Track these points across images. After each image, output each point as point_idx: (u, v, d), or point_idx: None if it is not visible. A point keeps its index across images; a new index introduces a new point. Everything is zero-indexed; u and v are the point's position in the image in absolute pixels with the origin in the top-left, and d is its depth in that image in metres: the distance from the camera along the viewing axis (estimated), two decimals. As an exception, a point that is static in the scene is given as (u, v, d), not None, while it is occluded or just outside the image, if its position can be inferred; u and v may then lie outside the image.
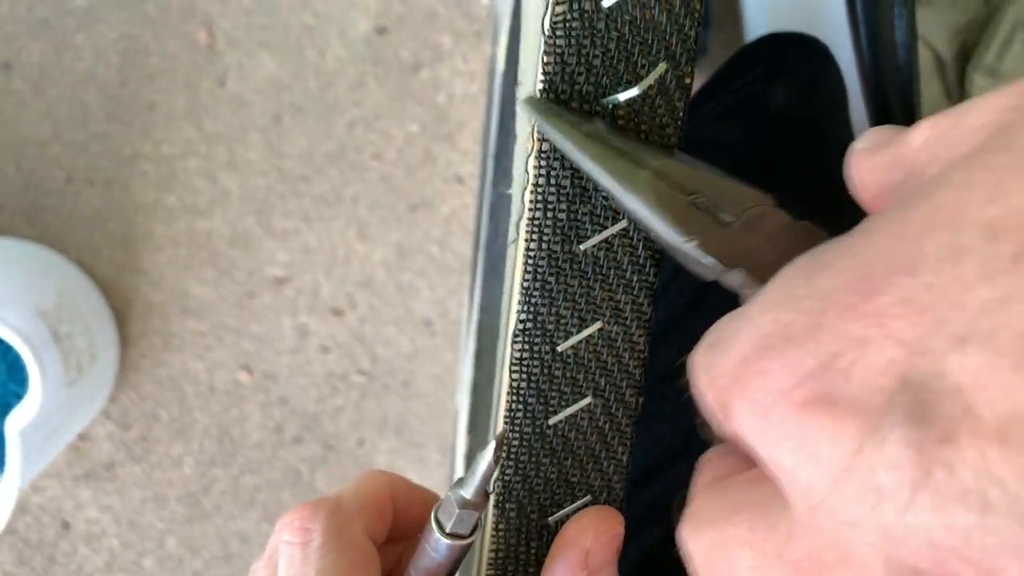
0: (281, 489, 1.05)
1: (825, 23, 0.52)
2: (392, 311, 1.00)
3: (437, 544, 0.22)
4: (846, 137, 0.44)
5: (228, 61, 0.93)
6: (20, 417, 0.79)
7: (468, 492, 0.21)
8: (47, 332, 0.85)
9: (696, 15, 0.21)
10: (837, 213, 0.41)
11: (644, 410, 0.37)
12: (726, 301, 0.36)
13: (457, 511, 0.21)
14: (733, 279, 0.21)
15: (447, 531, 0.22)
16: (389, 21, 0.93)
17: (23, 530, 1.04)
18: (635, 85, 0.21)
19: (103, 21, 0.93)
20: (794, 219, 0.22)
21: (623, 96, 0.21)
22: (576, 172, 0.22)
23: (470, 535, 0.22)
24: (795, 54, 0.44)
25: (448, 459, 1.05)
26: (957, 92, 0.55)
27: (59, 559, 1.04)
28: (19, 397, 0.87)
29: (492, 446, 0.21)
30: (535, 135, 0.22)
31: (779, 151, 0.41)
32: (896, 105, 0.44)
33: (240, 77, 0.94)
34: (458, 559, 0.23)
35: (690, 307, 0.37)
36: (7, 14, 0.93)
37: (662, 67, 0.21)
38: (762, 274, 0.21)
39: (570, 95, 0.21)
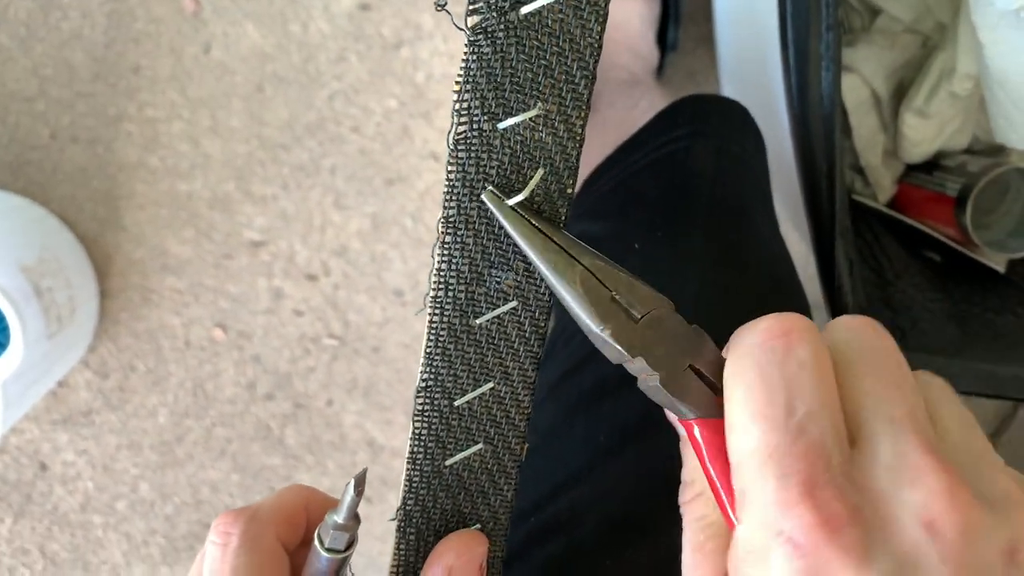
0: (251, 442, 1.09)
1: (769, 59, 0.55)
2: (365, 280, 1.04)
3: (319, 556, 0.27)
4: (756, 198, 0.48)
5: (213, 29, 0.95)
6: (1, 371, 0.82)
7: (340, 517, 0.26)
8: (29, 287, 0.88)
9: (578, 138, 0.25)
10: (736, 267, 0.45)
11: (556, 433, 0.41)
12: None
13: (331, 532, 0.26)
14: (634, 366, 0.26)
15: (326, 546, 0.27)
16: (372, -1, 0.95)
17: (1, 469, 1.08)
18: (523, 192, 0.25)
19: (91, -18, 0.95)
20: (687, 324, 0.26)
21: (511, 201, 0.25)
22: (474, 259, 0.26)
23: (345, 550, 0.27)
24: (716, 118, 0.48)
25: (412, 422, 1.10)
26: (892, 127, 0.58)
27: (35, 498, 1.09)
28: (0, 345, 0.91)
29: (352, 483, 0.25)
30: (440, 226, 0.26)
31: (693, 206, 0.44)
32: (819, 150, 0.48)
33: (224, 45, 0.96)
34: (337, 570, 0.28)
35: None
36: (-4, -30, 0.94)
37: (540, 173, 0.25)
38: (657, 364, 0.25)
39: (470, 198, 0.25)
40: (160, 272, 1.03)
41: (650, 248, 0.45)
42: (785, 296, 0.47)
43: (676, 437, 0.34)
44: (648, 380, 0.25)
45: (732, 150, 0.46)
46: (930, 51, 0.56)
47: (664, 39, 0.84)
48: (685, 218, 0.44)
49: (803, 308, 0.48)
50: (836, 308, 0.49)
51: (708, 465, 0.24)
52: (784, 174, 0.55)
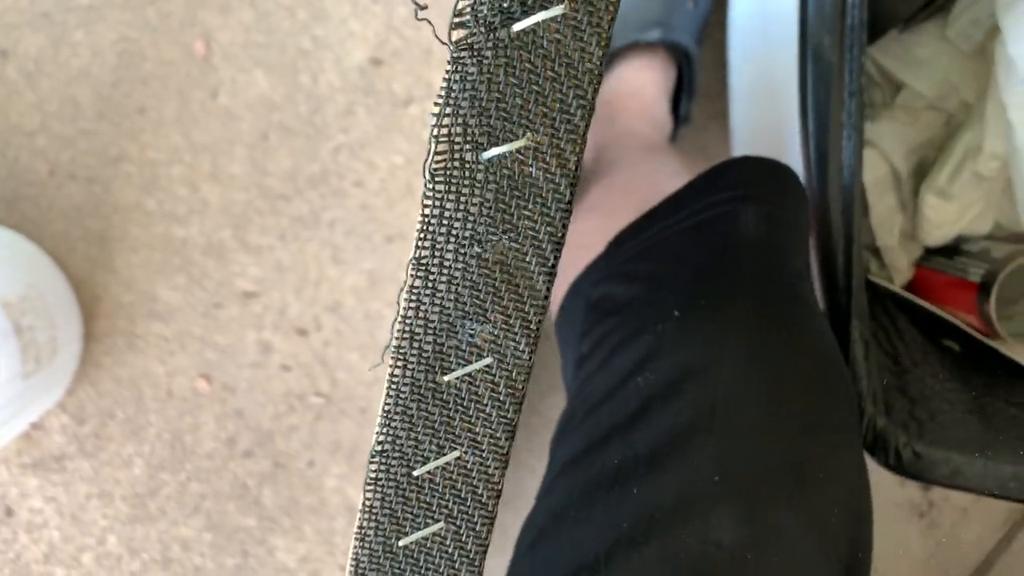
0: (227, 501, 1.05)
1: (786, 134, 0.52)
2: (357, 337, 1.01)
3: None
4: (804, 269, 0.44)
5: (222, 75, 0.94)
6: (-32, 407, 0.79)
7: None
8: (8, 324, 0.85)
9: (571, 175, 0.22)
10: (784, 343, 0.41)
11: (570, 515, 0.37)
12: (667, 416, 0.36)
13: None
14: None
15: None
16: (385, 54, 0.94)
17: (-35, 513, 1.04)
18: (508, 234, 0.22)
19: (103, 21, 0.94)
20: None
21: (495, 241, 0.22)
22: (445, 307, 0.23)
23: None
24: (767, 181, 0.44)
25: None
26: (911, 207, 0.55)
27: (-3, 546, 1.04)
28: (-25, 382, 0.88)
29: None
30: (409, 269, 0.22)
31: (741, 274, 0.41)
32: (837, 223, 0.45)
33: (232, 92, 0.95)
34: None
35: (632, 419, 0.37)
36: (10, 4, 0.94)
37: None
38: None
39: (447, 238, 0.22)
40: (148, 318, 1.00)
41: (691, 316, 0.41)
42: (833, 379, 0.42)
43: (715, 529, 0.30)
44: None
45: (784, 217, 0.43)
46: (953, 130, 0.53)
47: (677, 111, 0.83)
48: (732, 286, 0.40)
49: (850, 390, 0.44)
50: (848, 394, 0.46)
51: None
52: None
